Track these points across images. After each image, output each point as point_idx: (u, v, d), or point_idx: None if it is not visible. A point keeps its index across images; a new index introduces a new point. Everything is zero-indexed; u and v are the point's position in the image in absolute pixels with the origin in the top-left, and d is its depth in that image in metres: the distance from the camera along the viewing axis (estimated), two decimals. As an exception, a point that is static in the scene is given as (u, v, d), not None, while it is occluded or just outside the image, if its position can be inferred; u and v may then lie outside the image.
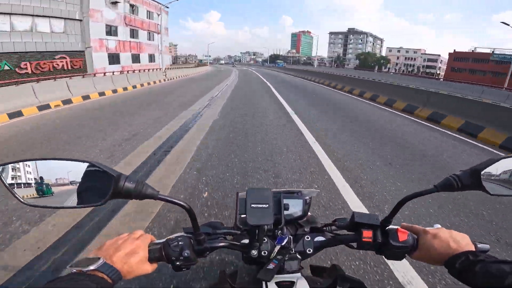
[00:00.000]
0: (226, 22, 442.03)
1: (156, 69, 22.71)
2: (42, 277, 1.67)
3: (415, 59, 74.59)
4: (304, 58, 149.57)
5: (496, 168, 0.55)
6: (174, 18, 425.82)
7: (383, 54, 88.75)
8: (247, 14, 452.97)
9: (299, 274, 0.61)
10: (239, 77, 25.90)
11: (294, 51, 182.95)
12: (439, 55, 72.16)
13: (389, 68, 70.89)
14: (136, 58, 26.90)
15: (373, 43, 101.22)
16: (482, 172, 0.54)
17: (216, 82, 18.71)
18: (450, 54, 52.96)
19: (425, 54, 74.82)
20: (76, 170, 0.51)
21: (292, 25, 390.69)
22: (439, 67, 70.05)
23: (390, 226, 0.62)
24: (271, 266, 0.56)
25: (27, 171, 0.51)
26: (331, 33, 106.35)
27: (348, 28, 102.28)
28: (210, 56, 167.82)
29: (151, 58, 29.85)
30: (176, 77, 22.02)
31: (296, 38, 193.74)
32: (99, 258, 0.48)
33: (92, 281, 0.43)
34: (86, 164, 0.50)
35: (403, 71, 64.59)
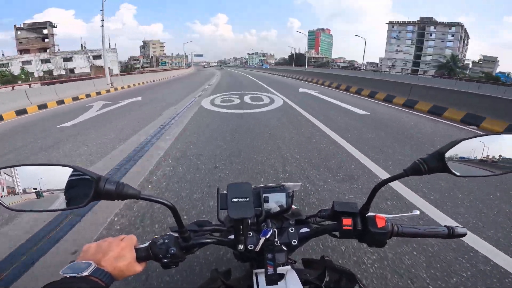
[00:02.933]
0: (234, 25, 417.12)
1: None
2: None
3: None
4: (331, 60, 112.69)
5: (459, 150, 0.56)
6: (182, 21, 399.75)
7: (475, 57, 50.56)
8: (254, 17, 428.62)
9: (289, 267, 0.62)
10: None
11: (312, 51, 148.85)
12: None
13: None
14: None
15: (464, 41, 63.19)
16: (446, 155, 0.55)
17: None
18: None
19: None
20: (57, 175, 0.52)
21: (300, 28, 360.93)
22: None
23: (369, 214, 0.64)
24: (270, 270, 0.57)
25: (10, 178, 0.53)
26: (392, 23, 68.79)
27: (421, 17, 64.80)
28: (202, 55, 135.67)
29: None
30: None
31: (314, 37, 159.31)
32: (90, 263, 0.49)
33: (87, 285, 0.45)
34: (67, 168, 0.52)
35: None
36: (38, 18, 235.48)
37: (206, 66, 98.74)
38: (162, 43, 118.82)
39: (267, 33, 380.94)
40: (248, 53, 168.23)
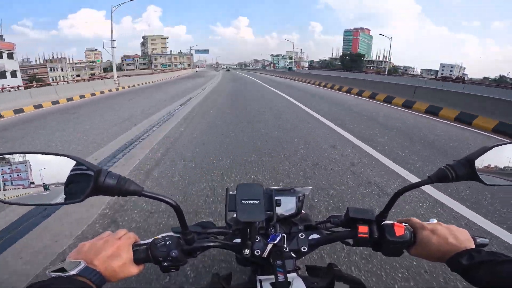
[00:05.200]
0: (255, 28, 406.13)
1: None
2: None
3: None
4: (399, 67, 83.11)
5: (490, 157, 0.52)
6: (204, 23, 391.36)
7: None
8: (275, 20, 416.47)
9: (294, 274, 0.59)
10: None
11: (348, 52, 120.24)
12: None
13: None
14: None
15: None
16: (476, 161, 0.52)
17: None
18: None
19: None
20: (54, 165, 0.48)
21: (321, 31, 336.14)
22: None
23: (386, 221, 0.60)
24: (281, 277, 0.54)
25: (5, 167, 0.48)
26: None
27: None
28: (207, 51, 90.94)
29: None
30: None
31: (350, 37, 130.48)
32: (80, 262, 0.45)
33: (73, 286, 0.42)
34: (65, 158, 0.48)
35: None
36: (72, 18, 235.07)
37: (197, 70, 68.77)
38: (165, 38, 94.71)
39: (289, 36, 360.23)
40: (272, 55, 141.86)
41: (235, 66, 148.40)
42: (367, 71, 59.31)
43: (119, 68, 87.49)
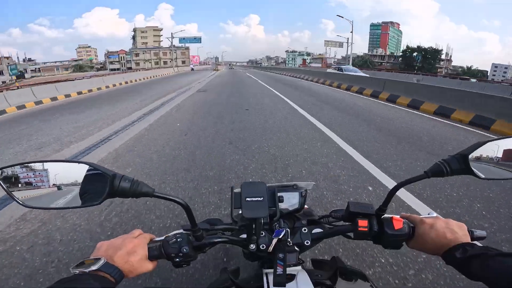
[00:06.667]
0: (266, 25, 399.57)
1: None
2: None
3: None
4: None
5: (483, 152, 0.54)
6: (215, 22, 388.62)
7: None
8: (286, 17, 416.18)
9: (299, 267, 0.61)
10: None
11: (379, 49, 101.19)
12: None
13: None
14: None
15: None
16: (469, 156, 0.53)
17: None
18: None
19: None
20: (73, 171, 0.52)
21: (334, 30, 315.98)
22: None
23: (386, 215, 0.62)
24: (280, 270, 0.55)
25: (25, 174, 0.52)
26: None
27: None
28: (199, 39, 63.05)
29: None
30: None
31: (378, 31, 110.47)
32: (100, 259, 0.48)
33: (95, 281, 0.44)
34: (83, 165, 0.51)
35: None
36: (86, 17, 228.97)
37: (193, 68, 51.61)
38: (159, 30, 78.44)
39: (300, 34, 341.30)
40: (287, 51, 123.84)
41: (245, 64, 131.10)
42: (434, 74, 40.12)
43: (104, 67, 71.95)
